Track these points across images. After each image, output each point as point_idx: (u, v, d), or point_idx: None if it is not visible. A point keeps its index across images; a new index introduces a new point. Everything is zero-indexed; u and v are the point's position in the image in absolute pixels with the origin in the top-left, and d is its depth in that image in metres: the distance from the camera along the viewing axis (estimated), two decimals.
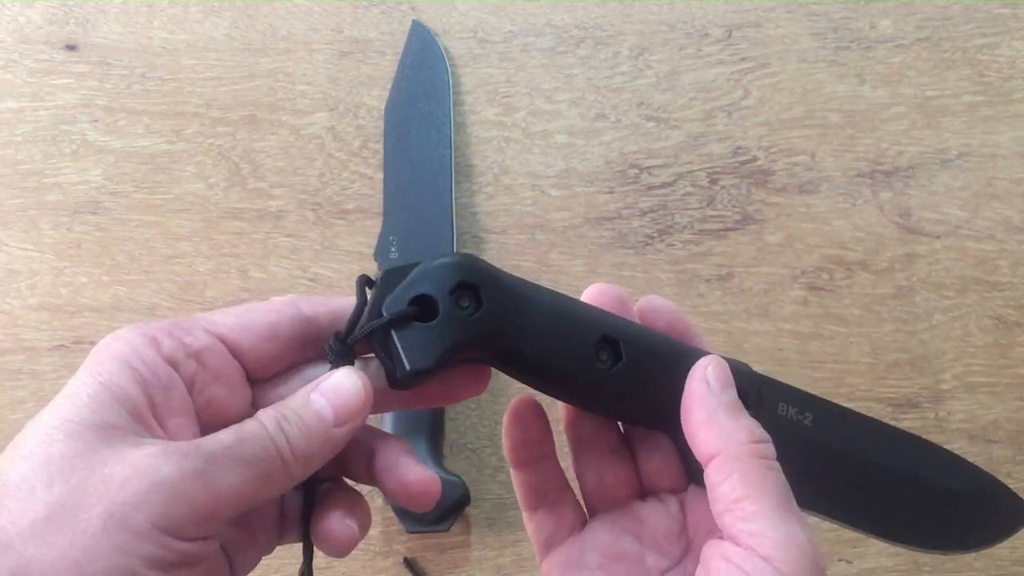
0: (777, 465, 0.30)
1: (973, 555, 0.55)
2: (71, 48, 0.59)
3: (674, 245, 0.57)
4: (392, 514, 0.50)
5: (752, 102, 0.59)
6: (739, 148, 0.58)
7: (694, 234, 0.57)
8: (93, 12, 0.60)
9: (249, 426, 0.28)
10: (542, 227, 0.57)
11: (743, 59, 0.60)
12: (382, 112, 0.58)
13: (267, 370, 0.31)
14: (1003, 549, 0.55)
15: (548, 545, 0.35)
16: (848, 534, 0.54)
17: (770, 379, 0.36)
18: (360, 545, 0.51)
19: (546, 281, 0.55)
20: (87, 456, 0.25)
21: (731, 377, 0.32)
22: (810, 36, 0.60)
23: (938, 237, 0.57)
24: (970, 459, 0.39)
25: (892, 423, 0.55)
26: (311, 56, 0.59)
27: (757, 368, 0.31)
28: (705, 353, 0.33)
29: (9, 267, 0.56)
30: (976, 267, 0.57)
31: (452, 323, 0.30)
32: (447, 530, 0.50)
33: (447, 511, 0.49)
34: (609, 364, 0.32)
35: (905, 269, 0.57)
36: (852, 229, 0.57)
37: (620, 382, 0.32)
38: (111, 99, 0.58)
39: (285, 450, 0.28)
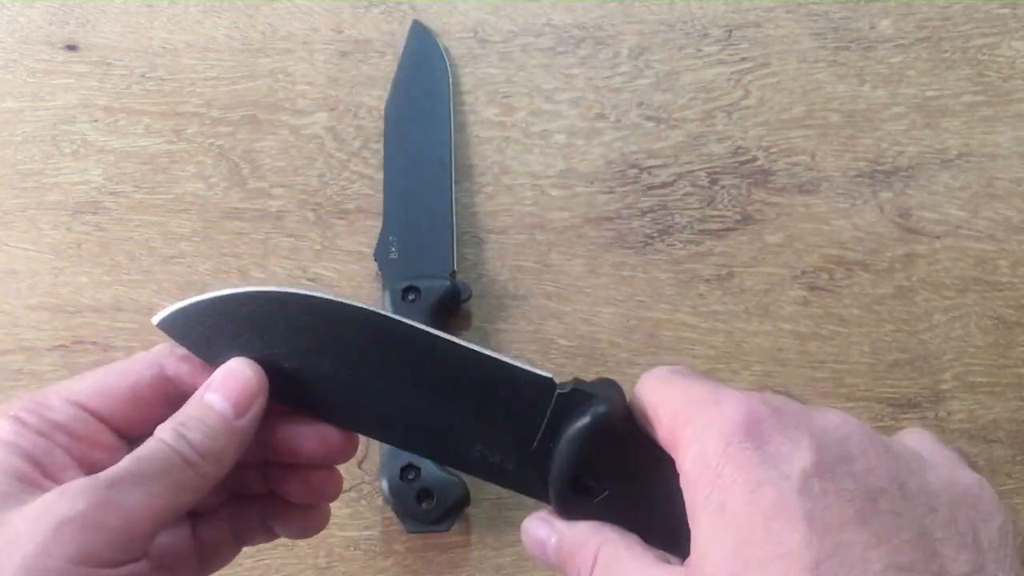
0: None
1: None
2: (71, 48, 0.59)
3: (674, 245, 0.57)
4: (392, 514, 0.50)
5: (752, 102, 0.59)
6: (739, 148, 0.58)
7: (694, 234, 0.57)
8: (93, 12, 0.60)
9: (148, 445, 0.28)
10: (542, 227, 0.57)
11: (743, 59, 0.60)
12: (382, 112, 0.58)
13: (136, 430, 0.31)
14: None
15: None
16: None
17: None
18: (360, 545, 0.51)
19: (546, 281, 0.56)
20: None
21: None
22: (810, 36, 0.60)
23: (938, 237, 0.57)
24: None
25: (892, 424, 0.55)
26: (311, 56, 0.59)
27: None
28: None
29: (9, 267, 0.56)
30: (976, 267, 0.57)
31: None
32: (447, 530, 0.50)
33: (447, 511, 0.49)
34: None
35: (905, 269, 0.57)
36: (852, 229, 0.57)
37: None
38: (111, 99, 0.58)
39: (190, 455, 0.28)
